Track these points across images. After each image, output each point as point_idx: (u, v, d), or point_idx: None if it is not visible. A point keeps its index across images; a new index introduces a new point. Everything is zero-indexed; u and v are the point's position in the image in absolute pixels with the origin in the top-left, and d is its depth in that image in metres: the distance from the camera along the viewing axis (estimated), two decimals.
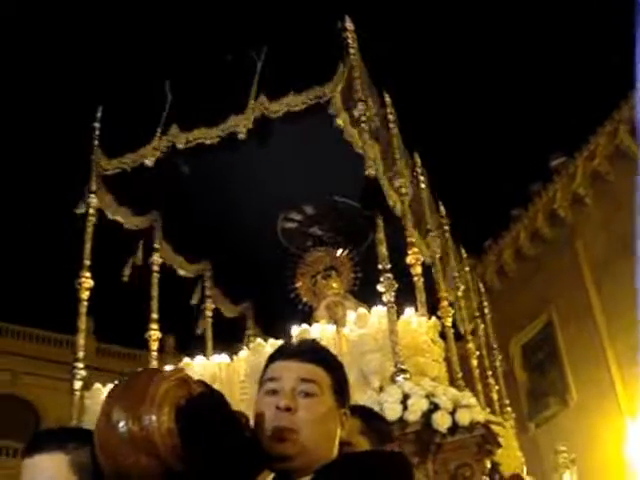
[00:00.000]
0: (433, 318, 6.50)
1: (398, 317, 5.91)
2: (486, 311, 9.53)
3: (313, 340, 2.69)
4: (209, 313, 8.40)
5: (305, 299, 7.79)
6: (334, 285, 7.67)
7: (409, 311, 6.27)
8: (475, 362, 8.02)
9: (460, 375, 6.84)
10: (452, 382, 6.68)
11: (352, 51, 6.69)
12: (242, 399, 5.80)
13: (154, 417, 1.82)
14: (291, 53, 6.93)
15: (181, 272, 8.31)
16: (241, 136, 6.72)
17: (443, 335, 6.87)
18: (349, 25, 6.83)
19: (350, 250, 7.82)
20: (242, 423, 2.02)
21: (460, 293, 8.21)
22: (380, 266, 5.88)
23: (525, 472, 7.65)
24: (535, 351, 19.01)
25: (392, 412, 4.95)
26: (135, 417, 1.82)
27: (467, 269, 9.22)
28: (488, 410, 7.66)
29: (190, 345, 7.97)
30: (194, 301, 8.42)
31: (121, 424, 1.81)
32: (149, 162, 7.02)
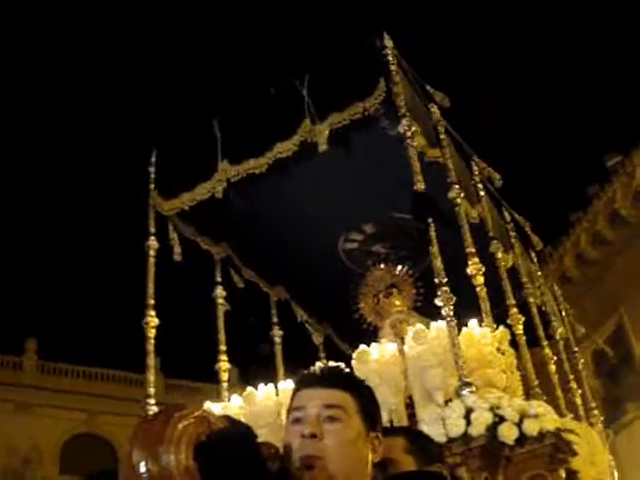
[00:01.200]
0: (501, 327, 6.35)
1: (460, 330, 5.84)
2: (563, 313, 9.30)
3: (337, 365, 2.67)
4: (277, 340, 8.43)
5: (369, 319, 7.73)
6: (397, 303, 7.59)
7: (473, 322, 6.17)
8: (553, 368, 7.81)
9: (536, 383, 6.71)
10: (528, 391, 6.56)
11: (392, 67, 6.66)
12: None
13: (172, 456, 1.84)
14: (333, 77, 6.98)
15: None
16: (287, 159, 6.79)
17: (516, 343, 6.76)
18: (388, 42, 6.81)
19: (410, 266, 7.73)
20: (268, 456, 2.01)
21: (532, 298, 8.02)
22: (437, 280, 5.82)
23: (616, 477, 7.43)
24: (607, 356, 18.36)
25: (456, 427, 4.87)
26: (154, 457, 1.84)
27: (539, 273, 9.02)
28: (572, 416, 7.46)
29: (256, 374, 8.01)
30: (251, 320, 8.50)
31: (141, 465, 1.84)
32: (217, 193, 7.17)
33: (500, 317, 6.77)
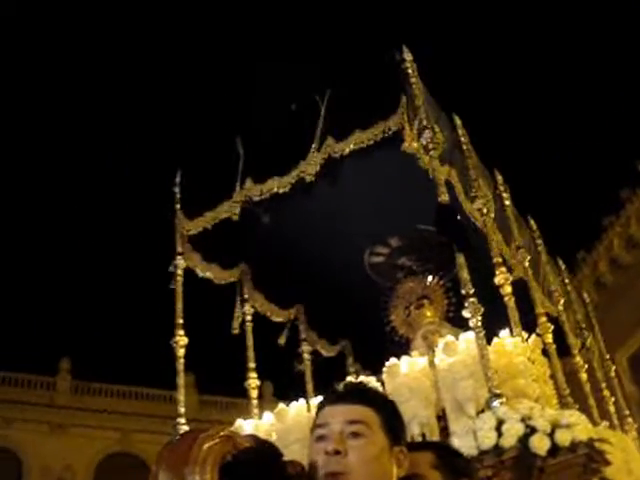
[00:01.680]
0: (533, 337, 6.32)
1: (490, 340, 5.82)
2: (593, 321, 9.23)
3: (360, 382, 2.67)
4: (307, 356, 8.43)
5: (401, 331, 7.71)
6: (428, 314, 7.57)
7: (504, 333, 6.15)
8: (585, 376, 7.75)
9: (568, 392, 6.65)
10: (560, 400, 6.51)
11: (413, 80, 6.67)
12: None
13: (197, 477, 1.85)
14: (354, 91, 7.00)
15: (275, 318, 8.40)
16: (309, 178, 6.80)
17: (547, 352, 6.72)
18: (407, 55, 6.82)
19: (440, 277, 7.71)
20: (293, 474, 2.02)
21: (561, 307, 7.97)
22: (463, 291, 5.80)
23: None
24: None
25: (487, 439, 4.84)
26: (180, 479, 1.86)
27: (567, 281, 8.96)
28: (606, 424, 7.38)
29: (289, 390, 8.01)
30: (281, 341, 8.46)
31: None
32: (234, 214, 7.19)
33: (530, 327, 6.72)
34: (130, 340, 30.01)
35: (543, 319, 7.02)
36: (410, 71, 6.72)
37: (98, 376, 28.98)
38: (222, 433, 2.01)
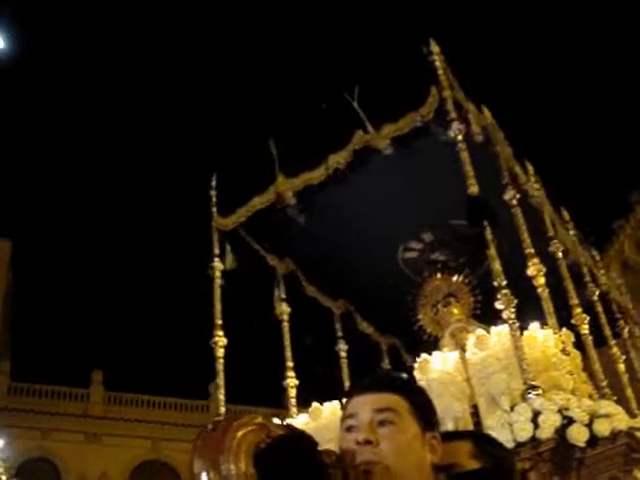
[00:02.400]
0: (564, 329, 6.23)
1: (522, 332, 5.75)
2: (630, 308, 9.10)
3: (387, 370, 2.63)
4: (343, 354, 8.40)
5: (429, 329, 7.66)
6: (455, 311, 7.51)
7: (534, 325, 6.07)
8: (622, 367, 7.64)
9: (605, 383, 6.57)
10: (598, 392, 6.42)
11: (440, 72, 6.64)
12: None
13: (232, 465, 1.83)
14: (383, 86, 7.00)
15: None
16: (341, 165, 6.83)
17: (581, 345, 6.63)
18: (434, 48, 6.79)
19: (466, 274, 7.65)
20: (329, 463, 2.00)
21: (596, 297, 7.86)
22: (496, 283, 5.75)
23: None
24: None
25: (523, 432, 4.79)
26: (214, 467, 1.84)
27: (602, 271, 8.84)
28: None
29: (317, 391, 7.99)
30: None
31: (202, 475, 1.84)
32: (277, 205, 7.24)
33: (563, 318, 6.63)
34: (160, 352, 30.55)
35: (578, 310, 6.92)
36: (438, 63, 6.70)
37: (129, 387, 29.61)
38: (256, 421, 2.00)
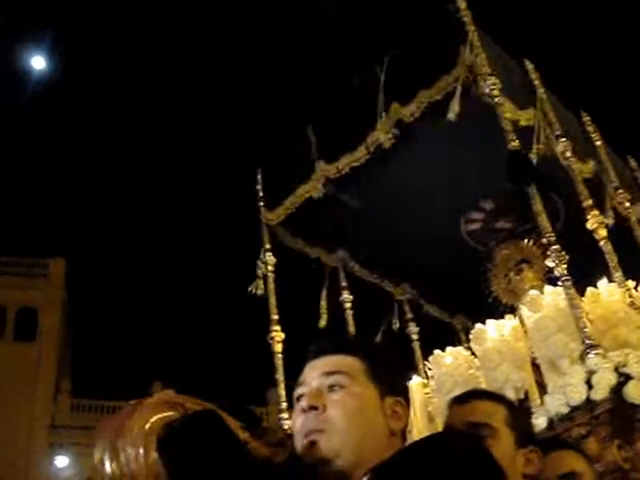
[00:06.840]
0: (629, 282, 5.76)
1: (584, 290, 5.34)
2: None
3: (341, 332, 2.40)
4: (415, 336, 8.08)
5: (504, 300, 7.27)
6: (529, 276, 7.10)
7: (602, 282, 5.64)
8: None
9: None
10: None
11: (469, 28, 6.28)
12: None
13: (130, 450, 1.63)
14: (413, 52, 6.67)
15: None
16: (385, 144, 6.52)
17: None
18: (461, 3, 6.44)
19: (536, 238, 7.20)
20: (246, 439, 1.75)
21: None
22: (545, 240, 5.36)
23: None
24: None
25: (576, 394, 4.37)
26: (114, 453, 1.64)
27: None
28: None
29: None
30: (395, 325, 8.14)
31: (105, 462, 1.64)
32: (318, 194, 7.05)
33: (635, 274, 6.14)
34: (216, 360, 31.19)
35: None
36: (466, 19, 6.35)
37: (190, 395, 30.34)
38: (164, 398, 1.78)
